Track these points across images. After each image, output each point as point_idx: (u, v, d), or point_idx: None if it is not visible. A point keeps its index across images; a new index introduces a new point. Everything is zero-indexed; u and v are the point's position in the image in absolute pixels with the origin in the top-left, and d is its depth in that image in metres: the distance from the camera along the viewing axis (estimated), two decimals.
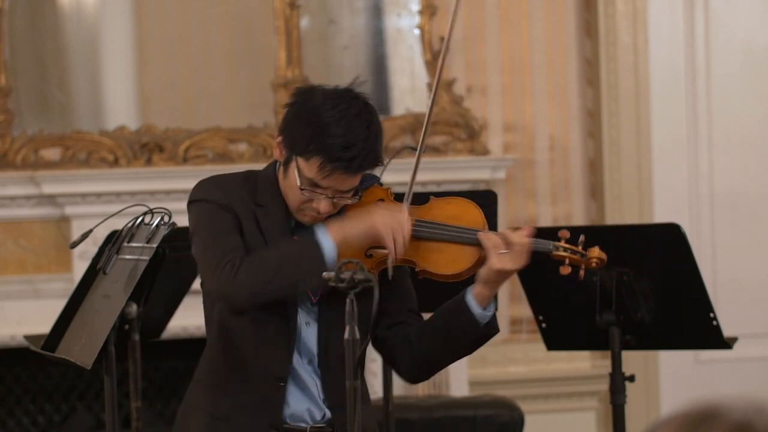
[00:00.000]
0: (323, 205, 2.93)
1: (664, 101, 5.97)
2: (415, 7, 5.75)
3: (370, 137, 2.89)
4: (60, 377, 5.71)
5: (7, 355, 5.53)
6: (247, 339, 3.01)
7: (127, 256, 3.35)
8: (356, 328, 2.70)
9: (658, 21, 5.95)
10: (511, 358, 5.80)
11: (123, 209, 3.49)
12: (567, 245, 3.01)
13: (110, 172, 5.50)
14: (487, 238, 2.95)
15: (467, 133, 5.75)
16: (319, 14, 5.76)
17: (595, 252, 3.03)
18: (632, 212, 5.89)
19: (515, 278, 3.40)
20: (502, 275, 2.94)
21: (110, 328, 3.33)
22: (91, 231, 3.55)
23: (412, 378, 3.15)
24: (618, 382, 3.52)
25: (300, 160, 2.91)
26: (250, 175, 3.06)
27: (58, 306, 3.58)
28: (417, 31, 5.75)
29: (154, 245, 3.27)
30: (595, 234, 3.13)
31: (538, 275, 3.34)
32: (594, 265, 3.03)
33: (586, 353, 5.90)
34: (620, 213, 5.88)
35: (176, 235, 3.31)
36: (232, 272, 2.87)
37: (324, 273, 2.73)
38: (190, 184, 5.41)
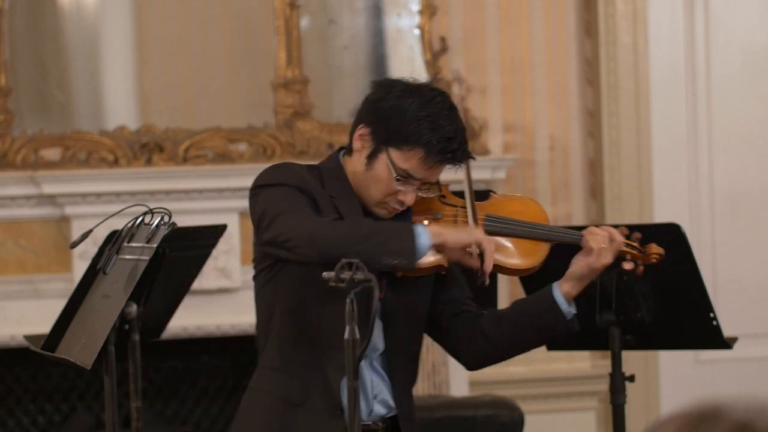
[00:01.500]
0: (410, 197, 2.97)
1: (664, 101, 5.96)
2: (415, 7, 5.74)
3: (464, 130, 3.01)
4: (60, 377, 5.70)
5: (7, 355, 5.52)
6: (322, 325, 2.97)
7: (127, 256, 3.35)
8: (356, 328, 2.70)
9: (658, 21, 5.94)
10: (511, 358, 5.79)
11: (123, 209, 3.49)
12: (629, 241, 3.10)
13: (110, 172, 5.49)
14: (595, 232, 3.01)
15: (467, 133, 5.74)
16: (319, 14, 5.75)
17: (654, 248, 3.14)
18: (632, 212, 5.88)
19: (515, 278, 3.42)
20: (596, 271, 3.01)
21: (110, 328, 3.33)
22: (91, 231, 3.55)
23: (476, 365, 3.22)
24: (618, 382, 3.52)
25: (394, 152, 2.94)
26: (309, 167, 3.04)
27: (58, 306, 3.58)
28: (417, 31, 5.74)
29: (154, 245, 3.27)
30: None
31: (538, 275, 3.34)
32: (654, 260, 3.13)
33: (586, 353, 5.89)
34: (620, 213, 5.87)
35: (176, 235, 3.31)
36: (311, 219, 2.82)
37: (324, 273, 2.73)
38: (190, 184, 5.50)
